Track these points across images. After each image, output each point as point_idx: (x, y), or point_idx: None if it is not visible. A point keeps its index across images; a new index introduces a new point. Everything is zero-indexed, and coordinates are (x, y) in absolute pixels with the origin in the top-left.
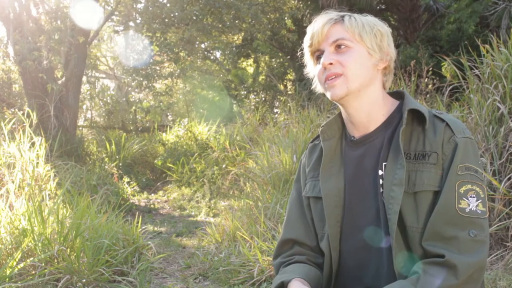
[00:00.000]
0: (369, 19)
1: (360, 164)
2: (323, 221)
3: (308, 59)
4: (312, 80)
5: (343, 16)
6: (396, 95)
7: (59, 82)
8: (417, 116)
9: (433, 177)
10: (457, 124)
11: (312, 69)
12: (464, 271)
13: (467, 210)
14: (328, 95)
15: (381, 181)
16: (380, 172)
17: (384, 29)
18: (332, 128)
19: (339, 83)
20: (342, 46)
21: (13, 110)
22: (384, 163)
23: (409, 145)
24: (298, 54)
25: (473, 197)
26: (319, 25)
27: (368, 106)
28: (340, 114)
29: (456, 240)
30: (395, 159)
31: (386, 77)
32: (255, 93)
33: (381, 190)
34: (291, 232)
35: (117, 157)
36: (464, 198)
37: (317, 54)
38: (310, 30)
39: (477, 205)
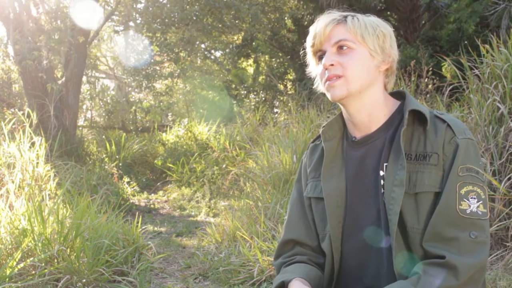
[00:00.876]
0: (372, 20)
1: (362, 164)
2: (325, 222)
3: (310, 58)
4: (314, 80)
5: (346, 17)
6: (397, 95)
7: (59, 82)
8: (418, 117)
9: (434, 178)
10: (458, 125)
11: (314, 69)
12: (465, 272)
13: (468, 211)
14: (328, 95)
15: (382, 182)
16: (381, 173)
17: (387, 30)
18: (333, 128)
19: (339, 84)
20: (344, 47)
21: (13, 110)
22: (385, 164)
23: (410, 146)
24: (301, 53)
25: (474, 198)
26: (321, 26)
27: (369, 106)
28: (341, 114)
29: (456, 241)
30: (396, 160)
31: (388, 78)
32: (255, 93)
33: (382, 190)
34: (292, 232)
35: (117, 157)
36: (465, 199)
37: (319, 54)
38: (312, 30)
39: (478, 206)
